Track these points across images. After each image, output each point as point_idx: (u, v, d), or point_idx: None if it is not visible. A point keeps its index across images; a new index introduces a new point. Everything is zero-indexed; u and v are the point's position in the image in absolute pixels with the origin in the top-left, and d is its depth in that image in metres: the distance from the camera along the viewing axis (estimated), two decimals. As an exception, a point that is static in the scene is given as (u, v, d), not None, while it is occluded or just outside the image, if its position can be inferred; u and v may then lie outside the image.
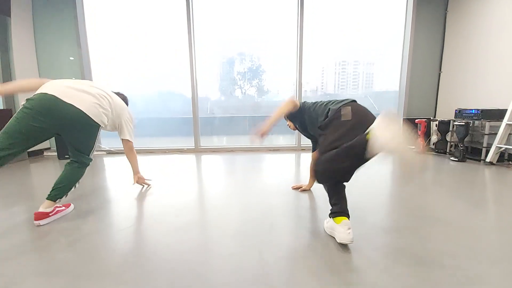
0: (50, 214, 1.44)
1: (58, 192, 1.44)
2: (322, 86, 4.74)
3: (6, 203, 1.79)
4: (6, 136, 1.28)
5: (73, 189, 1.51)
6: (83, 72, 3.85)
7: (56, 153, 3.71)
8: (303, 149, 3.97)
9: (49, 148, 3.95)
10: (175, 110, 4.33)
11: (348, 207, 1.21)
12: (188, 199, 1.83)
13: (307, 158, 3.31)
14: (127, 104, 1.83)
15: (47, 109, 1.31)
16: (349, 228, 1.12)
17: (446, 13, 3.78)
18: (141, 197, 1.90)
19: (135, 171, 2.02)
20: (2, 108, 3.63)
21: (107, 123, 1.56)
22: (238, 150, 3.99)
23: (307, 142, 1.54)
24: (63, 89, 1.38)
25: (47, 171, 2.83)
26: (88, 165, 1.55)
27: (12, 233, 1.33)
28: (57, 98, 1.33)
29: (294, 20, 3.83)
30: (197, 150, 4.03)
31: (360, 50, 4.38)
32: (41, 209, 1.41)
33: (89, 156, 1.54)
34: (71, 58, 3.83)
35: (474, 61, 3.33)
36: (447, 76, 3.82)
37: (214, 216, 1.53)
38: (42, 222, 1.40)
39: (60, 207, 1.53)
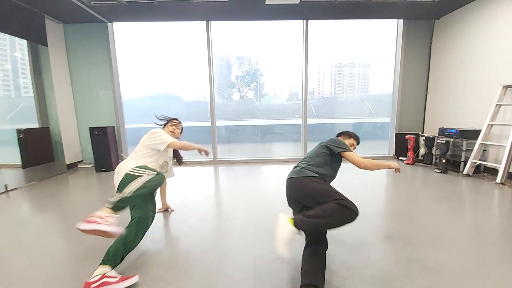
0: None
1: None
2: (319, 89, 4.94)
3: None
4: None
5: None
6: (114, 93, 4.31)
7: (91, 165, 4.18)
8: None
9: (81, 161, 4.38)
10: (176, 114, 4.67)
11: None
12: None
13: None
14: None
15: None
16: None
17: (431, 42, 4.37)
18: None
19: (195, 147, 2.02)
20: (39, 126, 4.05)
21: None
22: (252, 162, 4.49)
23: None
24: None
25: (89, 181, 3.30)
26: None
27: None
28: None
29: (297, 25, 4.26)
30: (215, 162, 4.51)
31: (355, 52, 4.72)
32: None
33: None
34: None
35: (455, 85, 3.92)
36: (433, 97, 4.41)
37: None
38: None
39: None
